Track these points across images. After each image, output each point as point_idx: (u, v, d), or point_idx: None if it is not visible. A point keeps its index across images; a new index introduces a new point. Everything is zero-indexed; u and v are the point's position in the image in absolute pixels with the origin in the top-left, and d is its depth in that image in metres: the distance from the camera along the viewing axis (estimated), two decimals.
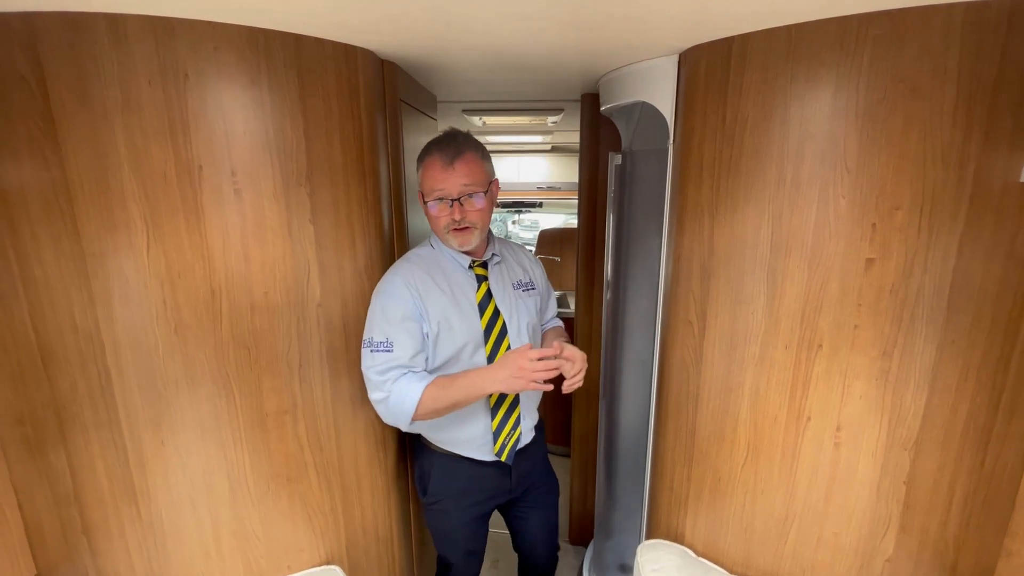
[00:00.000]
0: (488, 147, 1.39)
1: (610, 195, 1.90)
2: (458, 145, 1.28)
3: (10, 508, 1.05)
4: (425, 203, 1.32)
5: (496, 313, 1.37)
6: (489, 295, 1.38)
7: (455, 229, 1.30)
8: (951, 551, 1.05)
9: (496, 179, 1.38)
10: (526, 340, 1.41)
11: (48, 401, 1.06)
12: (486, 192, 1.30)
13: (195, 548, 1.21)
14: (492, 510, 1.58)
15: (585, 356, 1.31)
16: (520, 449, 1.47)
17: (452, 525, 1.51)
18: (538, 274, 1.54)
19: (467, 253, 1.36)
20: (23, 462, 1.07)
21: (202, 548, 1.22)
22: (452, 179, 1.26)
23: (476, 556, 1.62)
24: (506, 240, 1.54)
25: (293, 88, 1.10)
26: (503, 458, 1.43)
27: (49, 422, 1.07)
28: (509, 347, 1.38)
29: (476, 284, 1.38)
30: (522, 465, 1.49)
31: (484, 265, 1.40)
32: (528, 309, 1.45)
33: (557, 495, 1.66)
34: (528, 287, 1.48)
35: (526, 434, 1.47)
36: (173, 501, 1.17)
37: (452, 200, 1.27)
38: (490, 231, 1.42)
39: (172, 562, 1.21)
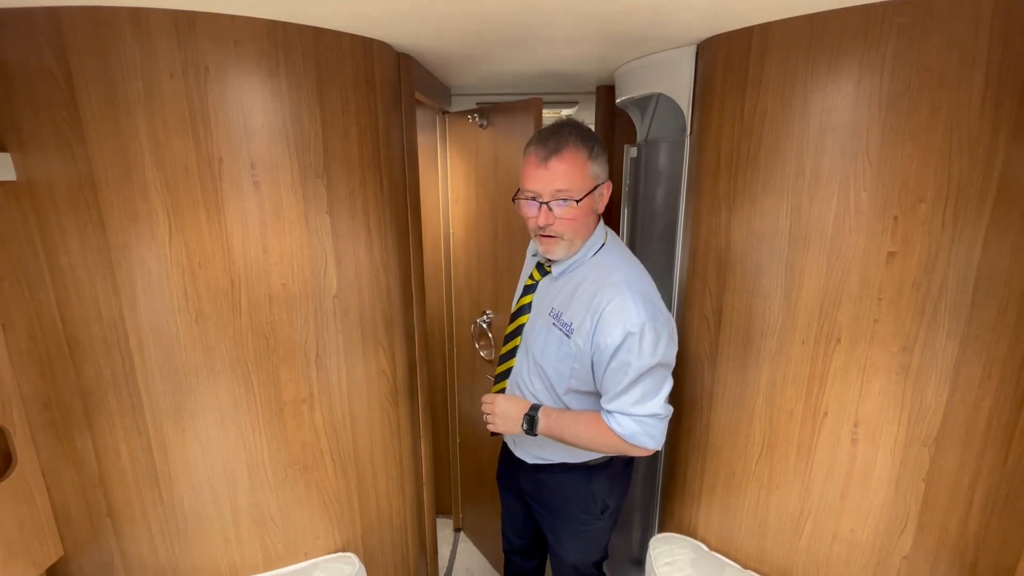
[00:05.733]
0: None
1: (625, 188, 1.89)
2: (559, 140, 1.12)
3: (39, 491, 1.08)
4: (515, 199, 1.21)
5: (524, 309, 1.35)
6: (532, 289, 1.35)
7: (541, 235, 1.19)
8: (971, 549, 1.04)
9: (607, 182, 1.20)
10: (529, 366, 1.30)
11: (74, 387, 1.09)
12: (580, 200, 1.12)
13: (215, 532, 1.24)
14: (523, 502, 1.52)
15: (492, 399, 1.28)
16: (528, 463, 1.41)
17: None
18: (595, 330, 1.13)
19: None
20: (50, 447, 1.10)
21: (221, 532, 1.24)
22: (544, 179, 1.13)
23: (511, 547, 1.66)
24: (616, 264, 1.20)
25: (311, 81, 1.11)
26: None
27: (75, 408, 1.10)
28: (515, 349, 1.38)
29: (531, 268, 1.38)
30: (529, 477, 1.45)
31: (545, 271, 1.31)
32: (548, 344, 1.24)
33: (571, 553, 1.45)
34: (564, 327, 1.21)
35: (508, 440, 1.47)
36: (193, 486, 1.20)
37: (541, 203, 1.14)
38: (606, 244, 1.24)
39: (193, 546, 1.23)
